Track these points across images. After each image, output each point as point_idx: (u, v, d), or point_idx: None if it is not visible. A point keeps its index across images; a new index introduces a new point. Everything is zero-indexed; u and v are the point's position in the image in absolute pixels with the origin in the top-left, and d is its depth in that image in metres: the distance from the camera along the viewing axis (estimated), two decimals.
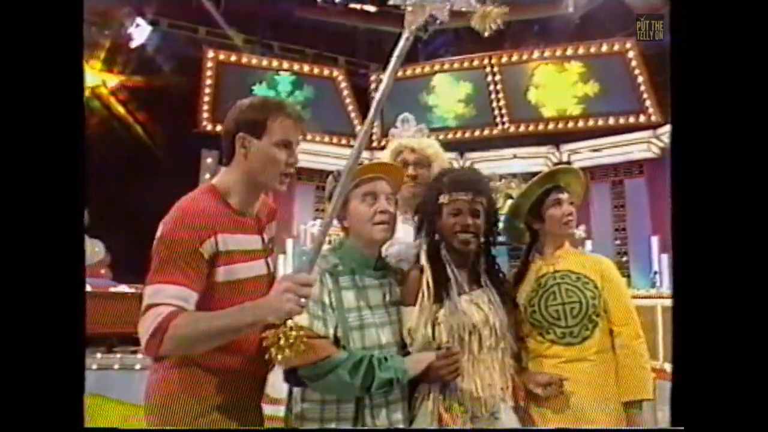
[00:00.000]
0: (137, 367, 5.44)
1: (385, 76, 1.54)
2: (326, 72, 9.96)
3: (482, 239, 1.80)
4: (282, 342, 1.34)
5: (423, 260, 1.75)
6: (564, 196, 2.03)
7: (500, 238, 1.85)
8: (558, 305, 1.95)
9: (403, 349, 1.68)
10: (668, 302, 6.40)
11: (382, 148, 2.30)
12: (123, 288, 7.13)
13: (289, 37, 10.07)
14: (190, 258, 1.48)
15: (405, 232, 2.00)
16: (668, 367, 5.70)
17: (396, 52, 1.55)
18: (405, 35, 1.55)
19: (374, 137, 10.05)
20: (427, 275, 1.72)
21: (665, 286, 7.89)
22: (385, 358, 1.57)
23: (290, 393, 1.65)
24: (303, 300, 1.38)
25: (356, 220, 1.67)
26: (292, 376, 1.57)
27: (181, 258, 1.47)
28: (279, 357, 1.35)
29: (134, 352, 5.89)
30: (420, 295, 1.70)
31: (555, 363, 1.91)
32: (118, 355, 6.10)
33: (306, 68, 9.84)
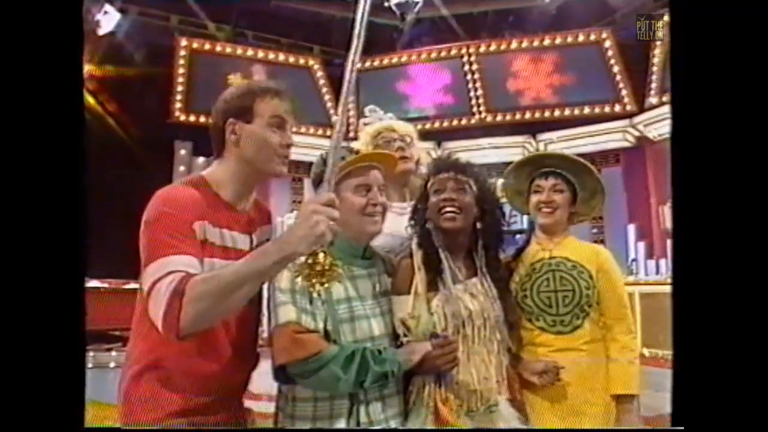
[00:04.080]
0: (111, 365, 5.30)
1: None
2: (302, 61, 9.81)
3: (479, 225, 1.74)
4: (319, 268, 1.19)
5: (414, 248, 1.69)
6: (545, 183, 2.00)
7: (505, 228, 1.81)
8: (550, 292, 1.92)
9: (396, 340, 1.62)
10: (645, 289, 6.60)
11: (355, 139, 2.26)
12: (95, 283, 6.87)
13: (264, 26, 9.89)
14: (187, 232, 1.37)
15: (391, 222, 1.94)
16: (647, 352, 5.87)
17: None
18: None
19: (351, 128, 10.00)
20: (419, 263, 1.66)
21: (642, 273, 8.09)
22: (379, 351, 1.50)
23: (280, 391, 1.57)
24: (332, 222, 1.22)
25: (347, 211, 1.57)
26: (281, 373, 1.50)
27: (177, 231, 1.36)
28: (317, 286, 1.21)
29: (108, 350, 5.75)
30: (414, 283, 1.63)
31: (545, 352, 1.88)
32: (91, 353, 5.94)
33: (281, 57, 9.67)
